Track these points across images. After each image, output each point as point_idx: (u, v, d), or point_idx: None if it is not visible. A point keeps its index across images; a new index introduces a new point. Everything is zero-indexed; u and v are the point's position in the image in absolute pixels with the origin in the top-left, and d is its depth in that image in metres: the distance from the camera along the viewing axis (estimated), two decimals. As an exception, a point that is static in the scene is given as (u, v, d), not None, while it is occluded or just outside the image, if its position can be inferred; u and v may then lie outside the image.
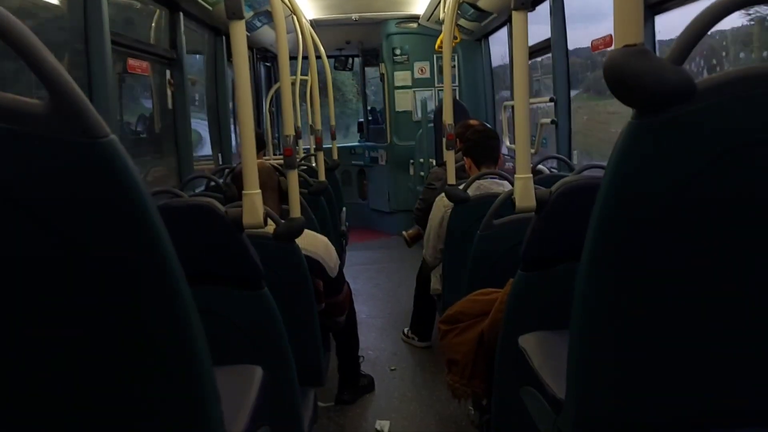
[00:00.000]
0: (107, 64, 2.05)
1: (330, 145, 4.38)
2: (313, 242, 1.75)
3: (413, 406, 2.39)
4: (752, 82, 0.63)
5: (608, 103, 2.83)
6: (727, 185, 0.66)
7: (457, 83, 4.98)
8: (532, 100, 2.86)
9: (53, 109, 0.54)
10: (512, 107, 3.09)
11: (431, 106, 5.11)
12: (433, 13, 4.69)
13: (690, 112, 0.63)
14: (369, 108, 6.70)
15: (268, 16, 3.93)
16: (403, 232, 3.20)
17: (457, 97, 4.77)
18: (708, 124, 0.64)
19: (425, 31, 5.18)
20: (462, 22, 4.23)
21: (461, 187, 2.17)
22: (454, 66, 4.84)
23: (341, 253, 3.43)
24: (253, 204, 1.38)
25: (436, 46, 4.02)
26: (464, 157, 2.42)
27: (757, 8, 1.73)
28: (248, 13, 3.57)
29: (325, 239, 1.84)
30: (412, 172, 5.25)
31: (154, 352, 0.62)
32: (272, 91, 5.05)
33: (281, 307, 1.37)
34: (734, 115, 0.64)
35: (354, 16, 5.06)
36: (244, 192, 1.41)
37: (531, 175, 1.54)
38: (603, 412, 0.78)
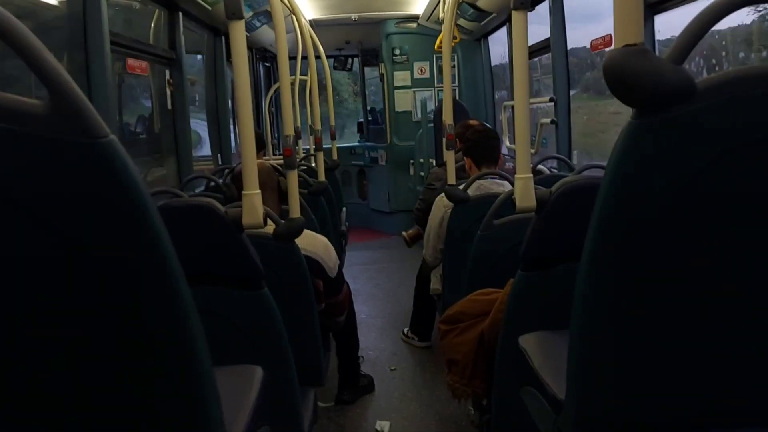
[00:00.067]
0: (106, 64, 2.05)
1: (330, 146, 4.38)
2: (312, 242, 1.75)
3: (413, 406, 2.39)
4: (752, 82, 0.63)
5: (608, 103, 2.83)
6: (727, 185, 0.66)
7: (456, 83, 4.98)
8: (531, 100, 2.86)
9: (53, 109, 0.54)
10: (512, 107, 3.09)
11: (431, 106, 5.11)
12: (432, 13, 4.69)
13: (690, 111, 0.63)
14: (369, 108, 6.70)
15: (268, 16, 3.93)
16: (403, 232, 3.20)
17: (457, 97, 4.77)
18: (708, 123, 0.64)
19: (425, 31, 5.18)
20: (461, 22, 4.23)
21: (461, 187, 2.17)
22: (453, 66, 4.84)
23: (341, 253, 3.43)
24: (253, 204, 1.38)
25: (436, 46, 4.03)
26: (464, 157, 2.42)
27: (764, 5, 1.72)
28: (247, 13, 3.57)
29: (324, 239, 1.84)
30: (412, 172, 5.25)
31: (154, 352, 0.62)
32: (272, 92, 5.05)
33: (281, 307, 1.37)
34: (734, 114, 0.64)
35: (353, 16, 5.05)
36: (243, 192, 1.41)
37: (531, 175, 1.54)
38: (603, 412, 0.78)
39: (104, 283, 0.59)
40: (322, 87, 4.94)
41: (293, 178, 1.64)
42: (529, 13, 1.48)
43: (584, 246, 0.72)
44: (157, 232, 0.59)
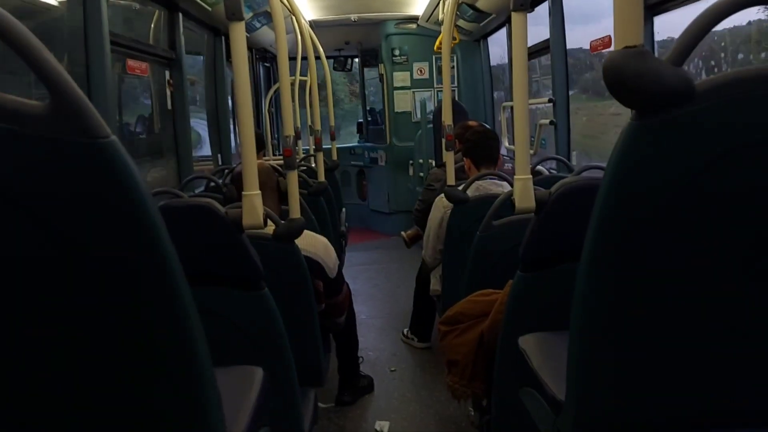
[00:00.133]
0: (106, 64, 2.05)
1: (329, 146, 4.37)
2: (312, 243, 1.75)
3: (413, 407, 2.39)
4: (751, 83, 0.63)
5: (607, 104, 2.83)
6: (727, 185, 0.66)
7: (456, 84, 4.99)
8: (530, 101, 2.86)
9: (54, 109, 0.54)
10: (511, 108, 3.09)
11: (430, 106, 5.12)
12: (432, 14, 4.70)
13: (690, 112, 0.63)
14: (368, 108, 6.71)
15: (268, 17, 3.93)
16: (402, 233, 3.20)
17: (456, 98, 4.78)
18: (708, 124, 0.64)
19: (424, 31, 5.18)
20: (461, 23, 4.23)
21: (460, 187, 2.17)
22: (453, 67, 4.84)
23: (341, 253, 3.43)
24: (253, 205, 1.38)
25: (435, 47, 4.02)
26: (463, 158, 2.43)
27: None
28: (247, 14, 3.57)
29: (324, 240, 1.84)
30: (411, 172, 5.25)
31: (154, 353, 0.62)
32: (271, 92, 5.05)
33: (281, 307, 1.37)
34: (734, 115, 0.64)
35: (353, 16, 5.06)
36: (243, 193, 1.41)
37: (530, 175, 1.54)
38: (603, 412, 0.78)
39: (104, 284, 0.59)
40: (321, 87, 4.94)
41: (293, 179, 1.64)
42: (528, 14, 1.48)
43: (584, 246, 0.72)
44: (157, 232, 0.59)
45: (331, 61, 6.37)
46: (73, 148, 0.54)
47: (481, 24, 4.16)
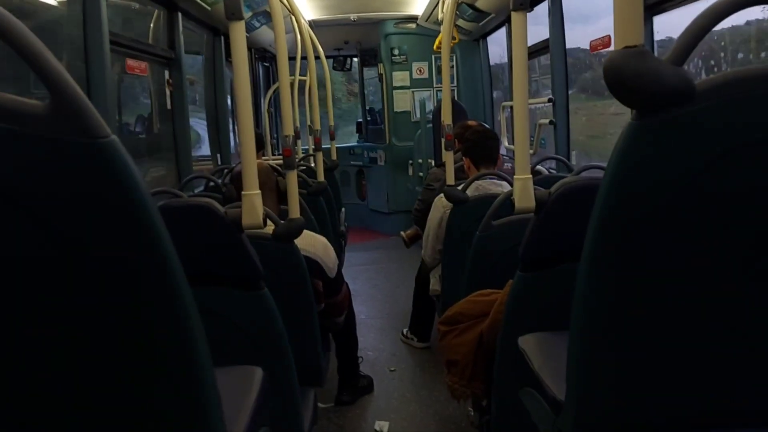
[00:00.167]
0: (106, 64, 2.05)
1: (329, 146, 4.37)
2: (311, 242, 1.75)
3: (413, 407, 2.39)
4: (752, 82, 0.63)
5: (606, 104, 2.84)
6: (727, 185, 0.66)
7: (455, 84, 4.99)
8: (530, 101, 2.86)
9: (54, 109, 0.54)
10: (511, 107, 3.10)
11: (430, 106, 5.12)
12: (431, 14, 4.70)
13: (690, 112, 0.63)
14: (367, 108, 6.70)
15: (267, 17, 3.93)
16: (402, 233, 3.19)
17: (456, 98, 4.78)
18: (708, 124, 0.64)
19: (424, 31, 5.18)
20: (460, 22, 4.23)
21: (460, 187, 2.17)
22: (452, 66, 4.85)
23: (340, 253, 3.43)
24: (253, 204, 1.38)
25: (435, 47, 4.02)
26: (463, 158, 2.43)
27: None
28: (247, 14, 3.57)
29: (323, 240, 1.84)
30: (410, 172, 5.25)
31: (154, 353, 0.62)
32: (271, 92, 5.05)
33: (281, 307, 1.37)
34: (734, 115, 0.64)
35: (352, 16, 5.06)
36: (243, 192, 1.40)
37: (530, 175, 1.54)
38: (603, 412, 0.78)
39: (104, 283, 0.58)
40: (320, 87, 4.93)
41: (292, 179, 1.64)
42: (528, 14, 1.48)
43: (584, 246, 0.72)
44: (157, 232, 0.59)
45: (331, 60, 6.37)
46: (73, 148, 0.54)
47: (481, 23, 4.17)
